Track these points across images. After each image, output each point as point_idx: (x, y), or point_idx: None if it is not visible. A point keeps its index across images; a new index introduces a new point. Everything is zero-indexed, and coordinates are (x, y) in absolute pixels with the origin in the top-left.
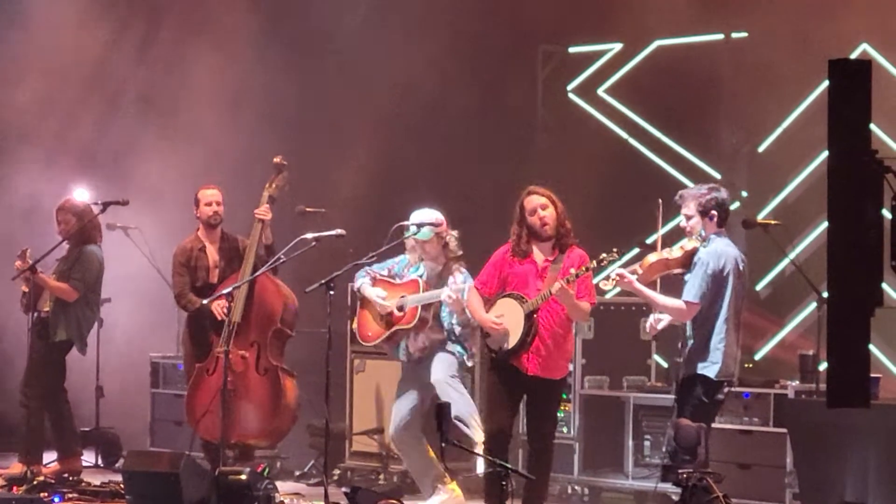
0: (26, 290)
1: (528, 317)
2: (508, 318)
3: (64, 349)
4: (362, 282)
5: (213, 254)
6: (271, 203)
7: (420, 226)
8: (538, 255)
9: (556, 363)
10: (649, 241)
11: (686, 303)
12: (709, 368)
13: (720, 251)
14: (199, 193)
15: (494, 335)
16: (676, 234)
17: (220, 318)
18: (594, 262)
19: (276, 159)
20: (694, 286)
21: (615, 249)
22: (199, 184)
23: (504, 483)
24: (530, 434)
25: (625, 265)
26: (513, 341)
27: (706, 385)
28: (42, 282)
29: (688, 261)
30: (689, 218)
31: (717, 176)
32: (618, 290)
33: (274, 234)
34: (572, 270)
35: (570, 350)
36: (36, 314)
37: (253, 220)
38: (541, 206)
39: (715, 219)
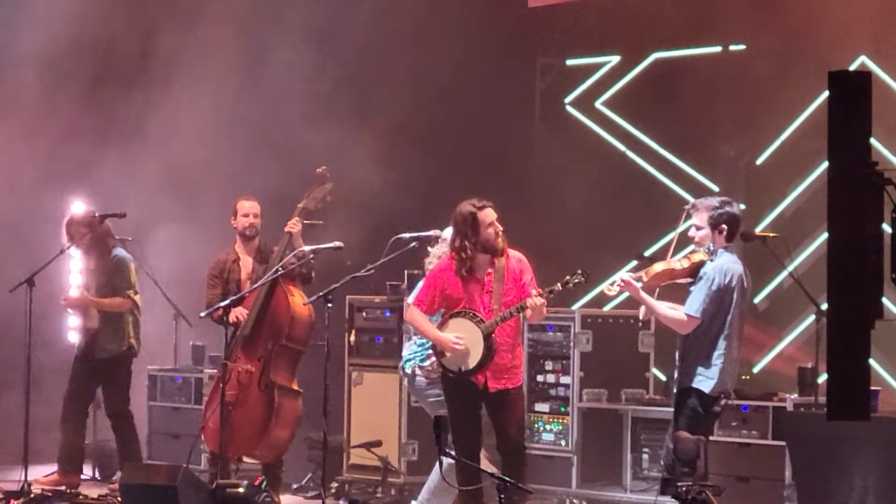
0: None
1: (487, 337)
2: (466, 338)
3: (127, 359)
4: None
5: (247, 265)
6: (305, 215)
7: (417, 239)
8: (478, 269)
9: (515, 372)
10: (647, 253)
11: (688, 316)
12: (704, 383)
13: (727, 268)
14: (238, 204)
15: (453, 355)
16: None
17: (232, 322)
18: (559, 284)
19: (319, 170)
20: (697, 300)
21: (580, 271)
22: (195, 196)
23: (502, 497)
24: (502, 444)
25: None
26: (472, 362)
27: (701, 398)
28: (95, 304)
29: (693, 272)
30: (699, 229)
31: (716, 188)
32: (617, 301)
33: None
34: (558, 285)
35: (522, 354)
36: (86, 332)
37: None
38: (496, 218)
39: (724, 233)
